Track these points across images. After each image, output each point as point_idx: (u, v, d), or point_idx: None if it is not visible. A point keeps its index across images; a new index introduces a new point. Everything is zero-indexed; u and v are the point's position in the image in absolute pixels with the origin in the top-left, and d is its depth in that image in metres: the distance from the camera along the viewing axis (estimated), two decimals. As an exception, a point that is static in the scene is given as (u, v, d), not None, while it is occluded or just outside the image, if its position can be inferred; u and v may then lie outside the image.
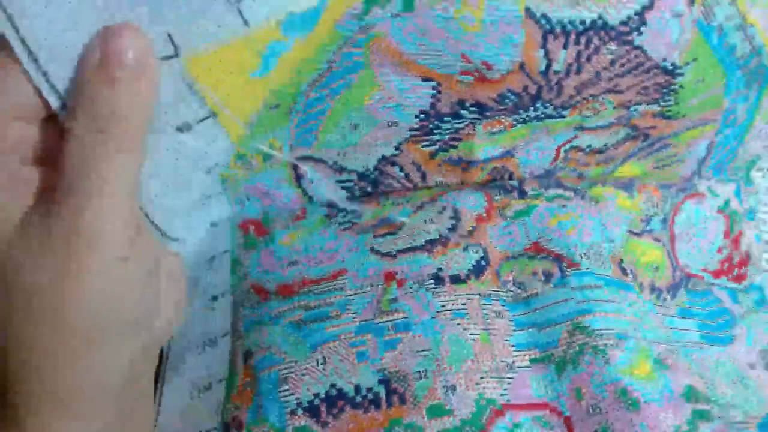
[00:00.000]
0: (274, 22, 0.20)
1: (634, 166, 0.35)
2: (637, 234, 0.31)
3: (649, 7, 0.25)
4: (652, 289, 0.30)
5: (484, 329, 0.26)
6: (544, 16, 0.25)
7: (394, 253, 0.29)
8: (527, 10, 0.25)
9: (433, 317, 0.26)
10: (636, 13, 0.25)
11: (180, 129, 0.21)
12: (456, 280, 0.28)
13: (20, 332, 0.21)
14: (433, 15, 0.25)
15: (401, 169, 0.32)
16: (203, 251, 0.30)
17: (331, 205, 0.32)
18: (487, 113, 0.29)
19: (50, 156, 0.21)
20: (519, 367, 0.25)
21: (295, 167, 0.31)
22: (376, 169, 0.32)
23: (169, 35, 0.19)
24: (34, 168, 0.21)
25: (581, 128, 0.31)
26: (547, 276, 0.28)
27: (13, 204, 0.20)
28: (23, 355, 0.21)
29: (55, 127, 0.21)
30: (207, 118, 0.21)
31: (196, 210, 0.28)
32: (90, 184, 0.20)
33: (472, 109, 0.29)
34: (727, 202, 0.35)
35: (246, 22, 0.19)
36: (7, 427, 0.21)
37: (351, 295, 0.27)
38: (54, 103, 0.20)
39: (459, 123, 0.30)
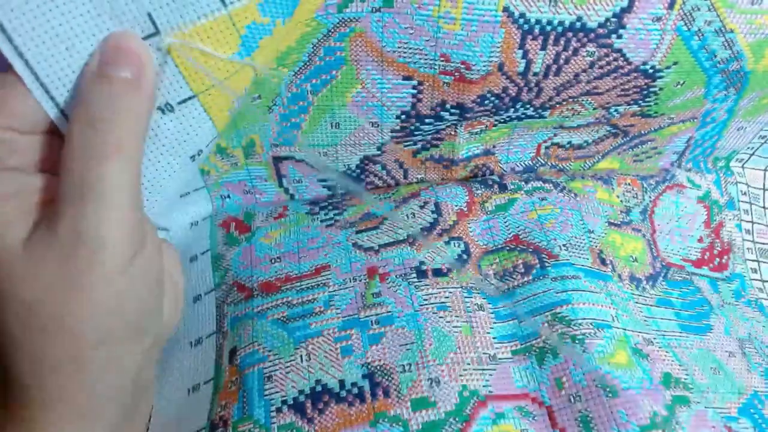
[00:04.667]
0: (251, 2, 0.20)
1: (614, 160, 0.35)
2: (616, 225, 0.32)
3: (627, 10, 0.25)
4: (632, 279, 0.30)
5: (466, 322, 0.26)
6: (522, 16, 0.25)
7: (377, 247, 0.29)
8: (506, 9, 0.25)
9: (416, 310, 0.26)
10: (614, 16, 0.25)
11: (161, 109, 0.21)
12: (438, 273, 0.28)
13: (25, 343, 0.20)
14: (413, 11, 0.25)
15: (383, 167, 0.32)
16: (184, 252, 0.30)
17: (313, 202, 0.32)
18: (468, 115, 0.29)
19: (55, 167, 0.21)
20: (501, 358, 0.26)
21: (276, 166, 0.31)
22: (358, 167, 0.32)
23: (149, 14, 0.19)
24: (40, 177, 0.20)
25: (561, 127, 0.32)
26: (527, 268, 0.28)
27: (19, 216, 0.20)
28: (31, 365, 0.21)
29: (58, 140, 0.20)
30: (189, 99, 0.21)
31: (179, 201, 0.28)
32: (87, 186, 0.19)
33: (453, 111, 0.29)
34: (707, 193, 0.36)
35: (223, 1, 0.19)
36: (17, 427, 0.21)
37: (334, 290, 0.28)
38: (51, 110, 0.20)
39: (440, 125, 0.30)
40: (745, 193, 0.37)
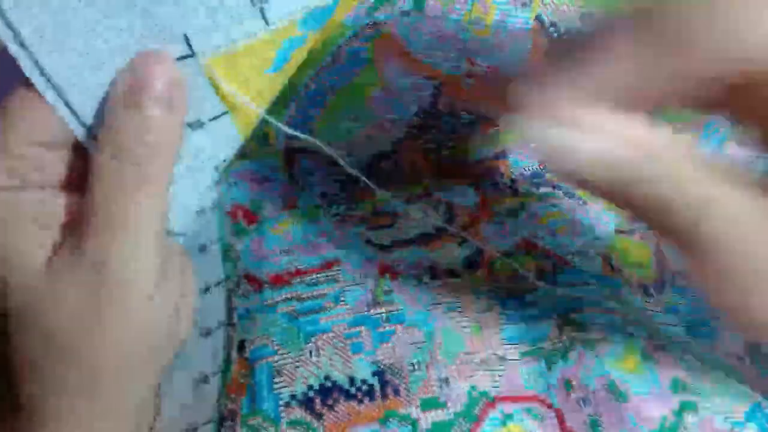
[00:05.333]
0: (293, 20, 0.20)
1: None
2: (624, 232, 0.32)
3: None
4: (640, 285, 0.30)
5: (476, 322, 0.26)
6: (554, 25, 0.25)
7: (389, 245, 0.29)
8: (537, 17, 0.25)
9: (427, 309, 0.26)
10: None
11: (191, 126, 0.20)
12: (450, 273, 0.28)
13: (42, 370, 0.20)
14: (443, 16, 0.25)
15: (395, 165, 0.32)
16: (192, 240, 0.29)
17: (323, 196, 0.32)
18: (485, 115, 0.29)
19: (79, 183, 0.20)
20: (509, 359, 0.26)
21: (288, 157, 0.31)
22: (369, 164, 0.32)
23: (186, 36, 0.18)
24: (63, 196, 0.20)
25: None
26: (539, 273, 0.28)
27: (41, 237, 0.19)
28: (46, 390, 0.20)
29: (84, 155, 0.20)
30: (220, 116, 0.21)
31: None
32: (115, 220, 0.18)
33: (471, 110, 0.29)
34: None
35: (267, 22, 0.19)
36: None
37: (345, 286, 0.27)
38: (78, 131, 0.19)
39: (456, 124, 0.30)
40: None
